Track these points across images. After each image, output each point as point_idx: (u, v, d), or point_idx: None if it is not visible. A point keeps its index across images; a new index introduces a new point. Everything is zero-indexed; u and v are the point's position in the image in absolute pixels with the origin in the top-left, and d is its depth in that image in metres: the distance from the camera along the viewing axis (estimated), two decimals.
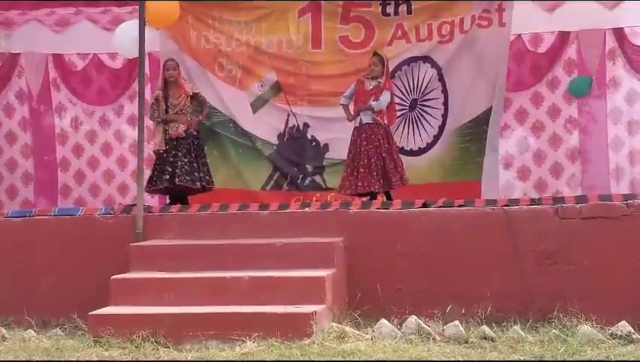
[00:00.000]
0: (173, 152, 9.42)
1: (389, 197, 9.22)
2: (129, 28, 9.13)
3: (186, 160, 9.43)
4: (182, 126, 9.48)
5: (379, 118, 9.35)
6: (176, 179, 9.33)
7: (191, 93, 9.60)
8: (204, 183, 9.57)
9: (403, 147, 10.18)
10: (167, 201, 9.71)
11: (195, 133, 9.64)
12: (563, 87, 10.59)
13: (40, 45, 11.26)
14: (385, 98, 9.36)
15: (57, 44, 11.18)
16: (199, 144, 9.70)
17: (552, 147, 10.62)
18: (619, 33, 10.36)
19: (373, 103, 9.31)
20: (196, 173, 9.47)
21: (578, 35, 10.46)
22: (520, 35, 10.46)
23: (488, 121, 10.06)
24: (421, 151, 10.30)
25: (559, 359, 6.12)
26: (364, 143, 9.32)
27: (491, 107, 10.02)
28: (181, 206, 8.90)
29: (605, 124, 10.47)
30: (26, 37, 11.09)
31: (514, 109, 10.66)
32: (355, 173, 9.31)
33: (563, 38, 10.52)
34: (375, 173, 9.23)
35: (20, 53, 11.37)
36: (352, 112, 9.51)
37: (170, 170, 9.35)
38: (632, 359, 6.13)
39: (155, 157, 9.56)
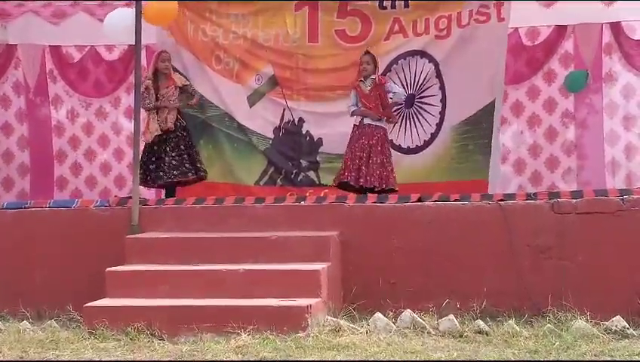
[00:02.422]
0: (164, 147, 9.44)
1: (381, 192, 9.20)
2: (120, 15, 9.10)
3: (174, 154, 9.45)
4: (170, 118, 9.48)
5: (382, 122, 9.38)
6: (165, 177, 9.35)
7: (180, 85, 9.63)
8: (201, 173, 9.62)
9: (400, 145, 10.16)
10: (163, 195, 9.74)
11: (184, 124, 9.64)
12: (559, 81, 10.60)
13: (37, 37, 11.24)
14: (392, 85, 9.47)
15: (54, 36, 11.16)
16: (188, 134, 9.71)
17: (547, 140, 10.62)
18: (616, 27, 10.37)
19: (393, 97, 9.35)
20: (187, 165, 9.51)
21: (575, 28, 10.47)
22: (517, 28, 10.45)
23: (485, 118, 10.01)
24: (419, 149, 10.25)
25: (553, 353, 6.14)
26: (359, 140, 9.34)
27: (488, 104, 9.97)
28: (176, 199, 8.90)
29: (601, 118, 10.48)
30: (23, 28, 11.08)
31: (510, 102, 10.67)
32: (352, 165, 9.33)
33: (560, 31, 10.52)
34: (356, 165, 9.24)
35: (16, 45, 11.35)
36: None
37: (161, 165, 9.38)
38: (626, 354, 6.14)
39: (144, 150, 9.53)
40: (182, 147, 9.53)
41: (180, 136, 9.57)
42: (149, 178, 9.45)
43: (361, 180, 9.19)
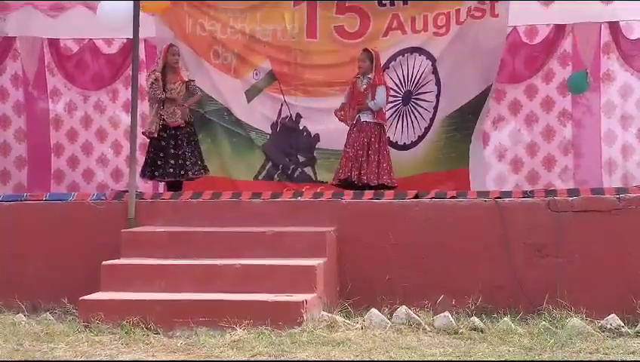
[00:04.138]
0: (175, 142, 9.45)
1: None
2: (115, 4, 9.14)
3: (189, 150, 9.50)
4: (179, 113, 9.49)
5: (378, 119, 9.37)
6: (190, 173, 9.48)
7: (186, 80, 9.64)
8: (207, 170, 9.77)
9: (397, 142, 10.16)
10: (166, 189, 9.73)
11: (192, 120, 9.70)
12: (557, 80, 10.58)
13: (35, 29, 11.22)
14: (381, 95, 9.38)
15: (53, 29, 11.14)
16: (194, 131, 9.75)
17: (545, 139, 10.62)
18: (614, 27, 10.35)
19: (370, 104, 9.32)
20: (199, 162, 9.63)
21: (574, 28, 10.45)
22: (515, 27, 10.44)
23: (473, 109, 10.05)
24: (413, 145, 10.27)
25: (548, 351, 6.15)
26: (355, 136, 9.34)
27: (477, 96, 10.01)
28: (173, 193, 8.89)
29: (599, 118, 10.48)
30: (22, 21, 11.06)
31: (508, 101, 10.66)
32: (348, 164, 9.33)
33: (558, 30, 10.52)
34: (356, 163, 9.23)
35: (15, 37, 11.32)
36: (347, 115, 9.55)
37: (174, 161, 9.39)
38: (621, 352, 6.15)
39: (150, 143, 9.55)
40: (193, 143, 9.60)
41: (190, 132, 9.62)
42: (156, 173, 9.46)
43: (364, 178, 9.21)
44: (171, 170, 9.44)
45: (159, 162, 9.46)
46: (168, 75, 9.61)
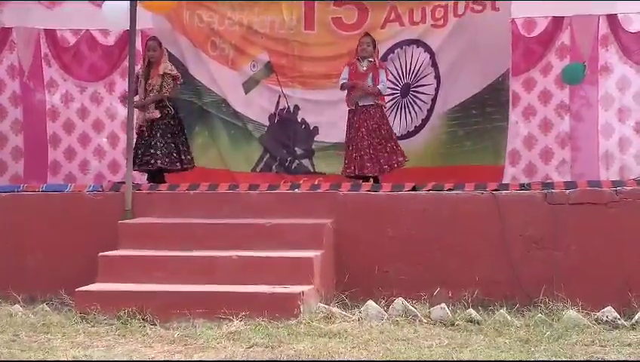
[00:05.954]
0: (151, 133, 9.41)
1: (376, 180, 9.18)
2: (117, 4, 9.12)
3: (163, 141, 9.42)
4: (152, 106, 9.44)
5: (377, 100, 9.36)
6: (158, 161, 9.35)
7: (161, 72, 9.56)
8: (185, 164, 9.61)
9: (395, 133, 10.16)
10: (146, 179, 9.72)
11: (172, 112, 9.59)
12: (555, 72, 10.55)
13: (32, 20, 11.18)
14: (384, 77, 9.37)
15: (50, 20, 11.12)
16: (178, 123, 9.67)
17: (542, 132, 10.61)
18: (612, 19, 10.33)
19: (379, 87, 9.30)
20: (175, 154, 9.47)
21: (572, 20, 10.44)
22: (513, 19, 10.42)
23: (476, 105, 10.03)
24: (409, 135, 10.25)
25: (544, 343, 6.15)
26: (361, 125, 9.29)
27: (479, 92, 9.99)
28: (170, 185, 8.88)
29: (596, 110, 10.46)
30: (19, 11, 11.04)
31: None
32: (356, 156, 9.29)
33: (556, 23, 10.50)
34: (369, 157, 9.22)
35: (11, 28, 11.29)
36: (349, 97, 9.48)
37: (151, 151, 9.34)
38: (617, 344, 6.16)
39: (137, 135, 9.52)
40: (169, 135, 9.50)
41: (168, 125, 9.53)
42: (140, 163, 9.43)
43: (366, 170, 9.19)
44: (148, 157, 9.38)
45: (139, 151, 9.41)
46: (151, 69, 9.56)
